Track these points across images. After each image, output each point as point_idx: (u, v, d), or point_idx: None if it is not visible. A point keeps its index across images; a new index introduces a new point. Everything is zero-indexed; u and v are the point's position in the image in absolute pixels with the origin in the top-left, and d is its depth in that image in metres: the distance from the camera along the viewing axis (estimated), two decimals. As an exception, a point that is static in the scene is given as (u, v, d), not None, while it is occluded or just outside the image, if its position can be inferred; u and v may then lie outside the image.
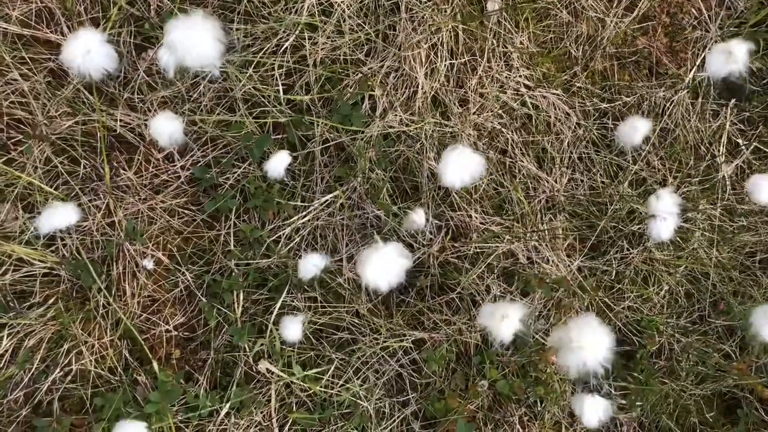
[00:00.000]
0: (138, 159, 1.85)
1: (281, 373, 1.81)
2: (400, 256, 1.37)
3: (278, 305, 1.82)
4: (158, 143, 1.60)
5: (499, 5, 1.96)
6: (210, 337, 1.84)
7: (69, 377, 1.77)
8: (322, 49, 1.88)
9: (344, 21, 1.88)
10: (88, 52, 1.38)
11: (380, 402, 1.87)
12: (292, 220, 1.87)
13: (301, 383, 1.82)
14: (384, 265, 1.35)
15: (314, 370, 1.84)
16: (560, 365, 1.32)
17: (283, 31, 1.86)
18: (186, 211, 1.87)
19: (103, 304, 1.79)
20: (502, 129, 1.98)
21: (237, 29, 1.85)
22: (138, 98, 1.84)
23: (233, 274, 1.84)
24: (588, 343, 1.28)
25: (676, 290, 2.08)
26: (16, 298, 1.77)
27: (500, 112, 1.98)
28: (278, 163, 1.67)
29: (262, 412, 1.81)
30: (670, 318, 2.06)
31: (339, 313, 1.88)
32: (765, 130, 2.15)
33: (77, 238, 1.80)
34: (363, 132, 1.88)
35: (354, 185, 1.89)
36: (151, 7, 1.84)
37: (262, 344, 1.82)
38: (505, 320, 1.41)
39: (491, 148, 1.98)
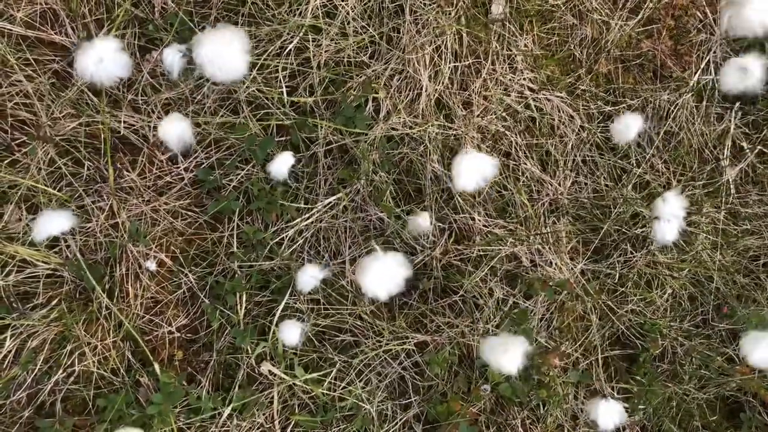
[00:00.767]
0: (142, 161, 1.85)
1: (284, 375, 1.81)
2: (400, 265, 1.37)
3: (281, 307, 1.82)
4: (166, 145, 1.60)
5: (503, 9, 1.96)
6: (213, 338, 1.84)
7: (72, 378, 1.77)
8: (326, 51, 1.88)
9: (348, 23, 1.88)
10: (101, 60, 1.38)
11: (382, 404, 1.87)
12: (295, 222, 1.87)
13: (304, 385, 1.82)
14: (383, 274, 1.35)
15: (316, 374, 1.84)
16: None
17: (287, 33, 1.86)
18: (189, 213, 1.87)
19: (106, 305, 1.79)
20: (506, 132, 1.98)
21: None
22: (142, 100, 1.84)
23: (236, 276, 1.84)
24: None
25: (679, 293, 2.07)
26: (19, 299, 1.77)
27: (504, 114, 1.98)
28: (282, 165, 1.67)
29: (264, 414, 1.81)
30: (673, 321, 2.06)
31: (341, 315, 1.88)
32: (770, 133, 2.14)
33: (80, 239, 1.80)
34: (366, 134, 1.88)
35: (357, 187, 1.89)
36: (156, 9, 1.84)
37: (264, 346, 1.82)
38: (507, 354, 1.41)
39: (495, 151, 1.98)
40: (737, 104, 2.12)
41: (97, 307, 1.79)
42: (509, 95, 1.97)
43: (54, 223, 1.55)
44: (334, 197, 1.89)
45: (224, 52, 1.28)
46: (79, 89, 1.80)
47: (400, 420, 1.87)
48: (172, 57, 1.55)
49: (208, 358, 1.84)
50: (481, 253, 1.94)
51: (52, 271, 1.79)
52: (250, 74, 1.85)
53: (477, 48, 1.96)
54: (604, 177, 2.04)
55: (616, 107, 2.06)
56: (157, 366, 1.78)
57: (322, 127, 1.87)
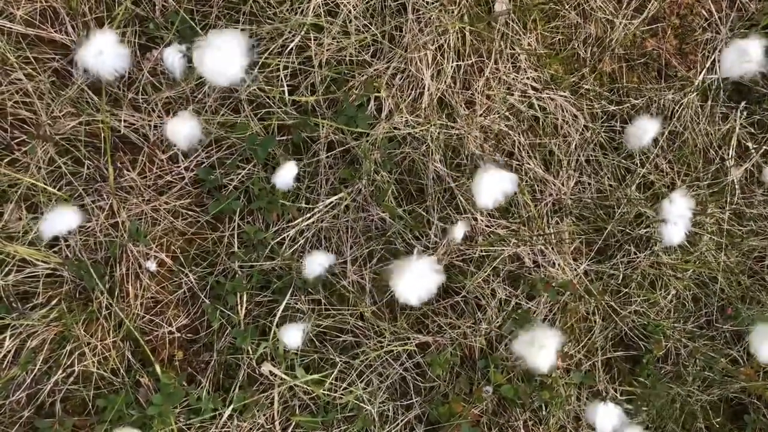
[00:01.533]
0: (142, 160, 1.84)
1: (284, 376, 1.80)
2: (434, 271, 1.36)
3: (282, 308, 1.81)
4: (170, 144, 1.59)
5: (507, 6, 1.94)
6: (213, 339, 1.83)
7: (71, 378, 1.77)
8: (327, 50, 1.87)
9: (350, 22, 1.87)
10: (101, 53, 1.37)
11: (384, 405, 1.86)
12: (296, 222, 1.86)
13: (304, 386, 1.81)
14: (417, 280, 1.34)
15: (318, 375, 1.83)
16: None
17: (289, 32, 1.85)
18: (190, 213, 1.86)
19: (106, 305, 1.78)
20: (509, 131, 1.97)
21: (242, 29, 1.84)
22: (142, 99, 1.83)
23: (237, 276, 1.83)
24: None
25: (683, 294, 2.06)
26: (19, 299, 1.77)
27: (507, 114, 1.97)
28: (286, 175, 1.66)
29: (264, 415, 1.81)
30: (677, 322, 2.05)
31: (343, 315, 1.87)
32: (775, 133, 2.13)
33: (80, 239, 1.79)
34: (368, 134, 1.87)
35: (359, 187, 1.88)
36: (156, 7, 1.83)
37: (265, 347, 1.81)
38: (542, 350, 1.39)
39: (498, 151, 1.97)
40: (743, 104, 2.11)
41: (97, 307, 1.78)
42: (512, 94, 1.96)
43: (61, 220, 1.55)
44: (336, 197, 1.88)
45: (224, 58, 1.28)
46: (79, 88, 1.79)
47: (402, 421, 1.86)
48: (172, 57, 1.54)
49: (209, 358, 1.83)
50: (484, 253, 1.93)
51: (51, 271, 1.79)
52: (252, 73, 1.84)
53: (480, 47, 1.95)
54: (607, 177, 2.03)
55: (620, 107, 2.04)
56: (157, 366, 1.78)
57: (323, 127, 1.86)
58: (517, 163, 1.97)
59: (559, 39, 2.02)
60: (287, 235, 1.86)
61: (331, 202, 1.88)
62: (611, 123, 2.04)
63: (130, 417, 1.73)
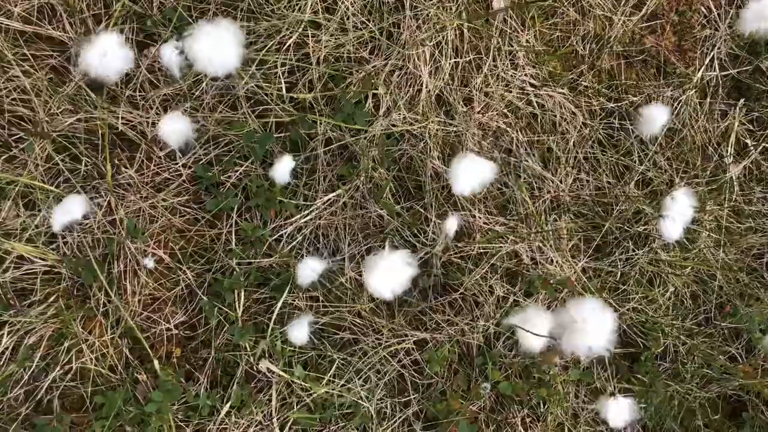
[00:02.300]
0: (140, 157, 1.83)
1: (282, 373, 1.80)
2: (406, 264, 1.36)
3: (279, 304, 1.81)
4: (166, 144, 1.60)
5: (505, 3, 1.94)
6: (211, 336, 1.83)
7: (69, 375, 1.77)
8: (325, 47, 1.86)
9: (348, 18, 1.86)
10: (105, 54, 1.37)
11: (382, 402, 1.86)
12: (294, 219, 1.86)
13: (302, 383, 1.81)
14: (389, 274, 1.34)
15: (315, 372, 1.83)
16: (564, 350, 1.31)
17: (286, 29, 1.85)
18: (187, 210, 1.86)
19: (103, 302, 1.78)
20: (507, 128, 1.96)
21: (240, 26, 1.84)
22: (140, 96, 1.83)
23: (234, 273, 1.83)
24: (593, 326, 1.26)
25: (681, 292, 2.06)
26: (16, 296, 1.77)
27: (505, 111, 1.96)
28: (283, 169, 1.67)
29: (262, 412, 1.81)
30: (675, 320, 2.05)
31: (341, 312, 1.87)
32: (774, 130, 2.12)
33: (78, 236, 1.79)
34: (366, 131, 1.87)
35: (357, 184, 1.88)
36: (154, 4, 1.82)
37: (264, 344, 1.81)
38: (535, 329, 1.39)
39: (496, 148, 1.96)
40: (741, 101, 2.10)
41: (95, 303, 1.79)
42: (511, 91, 1.96)
43: (69, 212, 1.55)
44: (334, 194, 1.88)
45: (217, 46, 1.27)
46: (76, 85, 1.79)
47: (399, 418, 1.87)
48: (170, 54, 1.54)
49: (207, 355, 1.83)
50: (482, 250, 1.93)
51: (49, 268, 1.79)
52: (249, 70, 1.84)
53: (478, 43, 1.94)
54: (606, 174, 2.03)
55: (619, 104, 2.04)
56: (156, 363, 1.78)
57: (321, 124, 1.86)
58: (516, 160, 1.97)
59: (557, 36, 2.02)
60: (285, 232, 1.86)
61: (329, 199, 1.88)
62: (610, 120, 2.04)
63: (128, 414, 1.73)
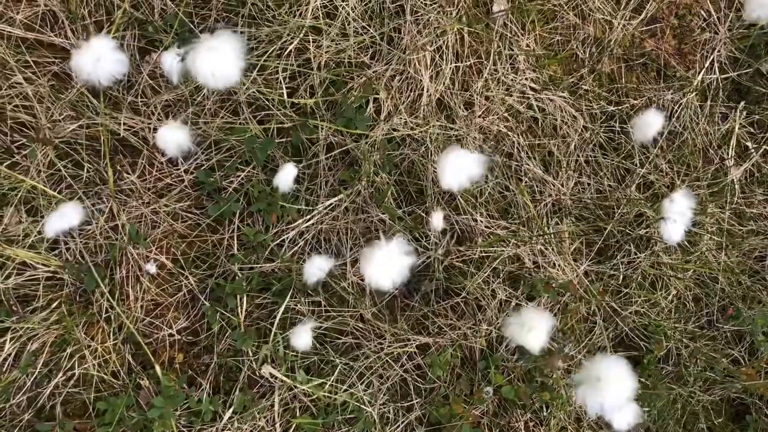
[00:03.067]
0: (142, 162, 1.84)
1: (285, 378, 1.80)
2: (404, 253, 1.35)
3: (282, 309, 1.81)
4: (165, 152, 1.60)
5: (505, 7, 1.94)
6: (213, 341, 1.83)
7: (72, 381, 1.77)
8: (326, 52, 1.87)
9: (349, 24, 1.87)
10: (99, 59, 1.38)
11: (384, 407, 1.86)
12: (296, 223, 1.86)
13: (305, 388, 1.81)
14: (387, 264, 1.33)
15: (318, 377, 1.83)
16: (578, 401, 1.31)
17: (288, 34, 1.85)
18: (189, 215, 1.87)
19: (106, 308, 1.78)
20: (508, 132, 1.97)
21: (241, 32, 1.85)
22: (142, 102, 1.83)
23: (237, 278, 1.83)
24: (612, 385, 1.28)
25: (684, 295, 2.06)
26: (19, 302, 1.77)
27: (506, 115, 1.97)
28: (286, 177, 1.66)
29: (265, 417, 1.81)
30: (677, 323, 2.04)
31: (343, 317, 1.87)
32: (775, 133, 2.13)
33: (80, 241, 1.79)
34: (367, 135, 1.87)
35: (358, 189, 1.88)
36: (155, 11, 1.83)
37: (266, 349, 1.81)
38: (532, 332, 1.39)
39: (497, 152, 1.97)
40: (742, 103, 2.11)
41: (98, 309, 1.79)
42: (511, 95, 1.96)
43: (63, 218, 1.55)
44: (335, 199, 1.88)
45: (219, 61, 1.28)
46: (78, 91, 1.80)
47: (402, 423, 1.86)
48: (171, 61, 1.54)
49: (209, 360, 1.83)
50: (484, 254, 1.93)
51: (51, 274, 1.79)
52: (251, 75, 1.84)
53: (478, 48, 1.95)
54: (607, 177, 2.03)
55: (620, 107, 2.04)
56: (158, 368, 1.78)
57: (322, 129, 1.86)
58: (517, 163, 1.97)
59: (557, 40, 2.02)
60: (287, 237, 1.86)
61: (331, 204, 1.88)
62: (610, 123, 2.04)
63: (131, 420, 1.73)
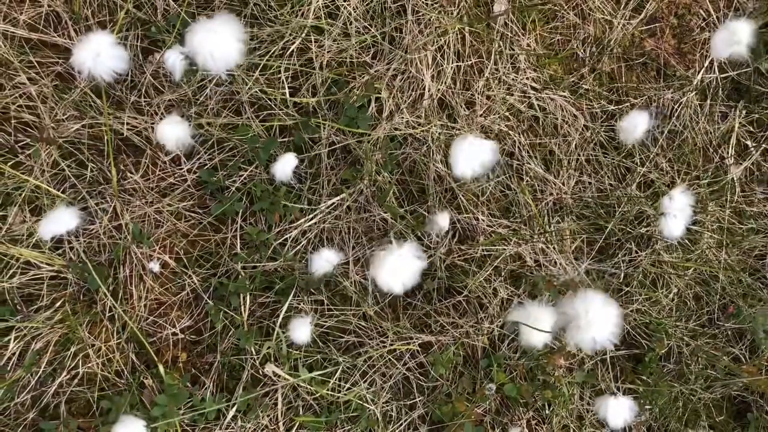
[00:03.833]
0: (145, 162, 1.85)
1: (288, 376, 1.80)
2: (415, 257, 1.36)
3: (285, 308, 1.82)
4: (165, 147, 1.61)
5: (506, 6, 1.96)
6: (216, 340, 1.84)
7: (76, 380, 1.77)
8: (328, 52, 1.88)
9: (350, 24, 1.88)
10: (98, 55, 1.38)
11: (387, 405, 1.87)
12: (298, 222, 1.87)
13: (308, 386, 1.82)
14: (398, 267, 1.34)
15: (320, 373, 1.84)
16: (568, 342, 1.30)
17: (290, 34, 1.86)
18: (192, 214, 1.87)
19: (110, 307, 1.79)
20: (509, 131, 1.98)
21: (244, 32, 1.85)
22: (145, 101, 1.84)
23: (240, 277, 1.84)
24: (597, 318, 1.26)
25: (684, 293, 2.07)
26: (23, 301, 1.77)
27: (507, 114, 1.98)
28: (285, 166, 1.67)
29: (268, 416, 1.81)
30: (678, 321, 2.05)
31: (345, 315, 1.87)
32: (774, 131, 2.14)
33: (84, 241, 1.80)
34: (369, 134, 1.88)
35: (360, 188, 1.89)
36: (158, 11, 1.84)
37: (269, 347, 1.81)
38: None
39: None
40: (741, 102, 2.12)
41: (101, 308, 1.79)
42: (512, 95, 1.97)
43: (60, 222, 1.56)
44: (338, 198, 1.89)
45: (216, 40, 1.28)
46: (82, 91, 1.81)
47: (405, 421, 1.87)
48: (173, 59, 1.55)
49: (212, 359, 1.84)
50: (485, 252, 1.94)
51: (55, 273, 1.79)
52: (253, 75, 1.85)
53: (479, 47, 1.96)
54: (608, 176, 2.04)
55: (620, 106, 2.05)
56: (161, 367, 1.78)
57: (324, 128, 1.87)
58: (518, 162, 1.98)
59: (558, 39, 2.03)
60: (290, 236, 1.87)
61: (333, 203, 1.89)
62: (611, 122, 2.05)
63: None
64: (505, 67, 1.97)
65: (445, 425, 1.86)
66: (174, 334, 1.84)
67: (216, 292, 1.85)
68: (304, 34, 1.86)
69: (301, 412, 1.83)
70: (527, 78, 1.98)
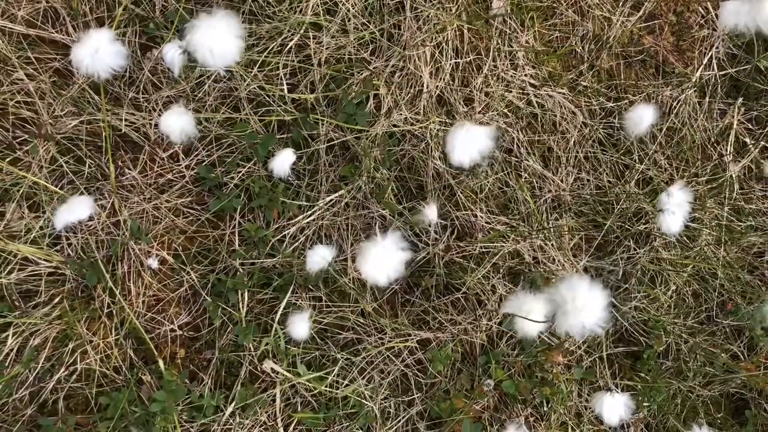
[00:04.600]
0: (143, 158, 1.85)
1: (286, 373, 1.80)
2: (400, 248, 1.35)
3: (283, 304, 1.82)
4: (168, 139, 1.60)
5: (505, 4, 1.96)
6: (215, 336, 1.84)
7: (74, 376, 1.77)
8: (326, 48, 1.88)
9: (349, 20, 1.88)
10: (97, 51, 1.38)
11: (385, 402, 1.87)
12: (296, 219, 1.87)
13: (306, 383, 1.82)
14: (383, 259, 1.34)
15: (319, 372, 1.84)
16: (557, 330, 1.29)
17: (288, 31, 1.86)
18: (191, 211, 1.87)
19: (108, 303, 1.79)
20: (508, 128, 1.98)
21: (242, 28, 1.85)
22: (143, 98, 1.84)
23: (238, 273, 1.84)
24: (584, 303, 1.25)
25: (683, 290, 2.06)
26: (21, 297, 1.77)
27: (506, 111, 1.98)
28: (283, 162, 1.67)
29: (266, 412, 1.81)
30: (677, 318, 2.05)
31: (344, 312, 1.87)
32: (773, 128, 2.13)
33: (82, 237, 1.80)
34: (368, 131, 1.88)
35: (359, 184, 1.89)
36: (156, 7, 1.84)
37: (267, 344, 1.81)
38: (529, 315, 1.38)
39: (496, 148, 1.98)
40: (740, 99, 2.12)
41: (99, 305, 1.79)
42: (511, 91, 1.97)
43: (73, 213, 1.55)
44: (336, 194, 1.89)
45: (215, 36, 1.29)
46: (80, 87, 1.80)
47: (403, 417, 1.87)
48: (172, 54, 1.55)
49: (211, 355, 1.84)
50: (484, 249, 1.94)
51: (54, 269, 1.79)
52: (252, 71, 1.85)
53: (478, 44, 1.96)
54: (606, 173, 2.04)
55: (618, 103, 2.05)
56: (160, 362, 1.78)
57: (323, 124, 1.87)
58: (516, 159, 1.98)
59: (556, 36, 2.03)
60: (288, 233, 1.87)
61: (332, 200, 1.89)
62: (609, 119, 2.05)
63: (133, 414, 1.74)
64: (503, 64, 1.97)
65: (444, 422, 1.86)
66: (172, 330, 1.84)
67: (214, 289, 1.85)
68: (302, 31, 1.86)
69: (299, 409, 1.83)
70: (526, 75, 1.98)
